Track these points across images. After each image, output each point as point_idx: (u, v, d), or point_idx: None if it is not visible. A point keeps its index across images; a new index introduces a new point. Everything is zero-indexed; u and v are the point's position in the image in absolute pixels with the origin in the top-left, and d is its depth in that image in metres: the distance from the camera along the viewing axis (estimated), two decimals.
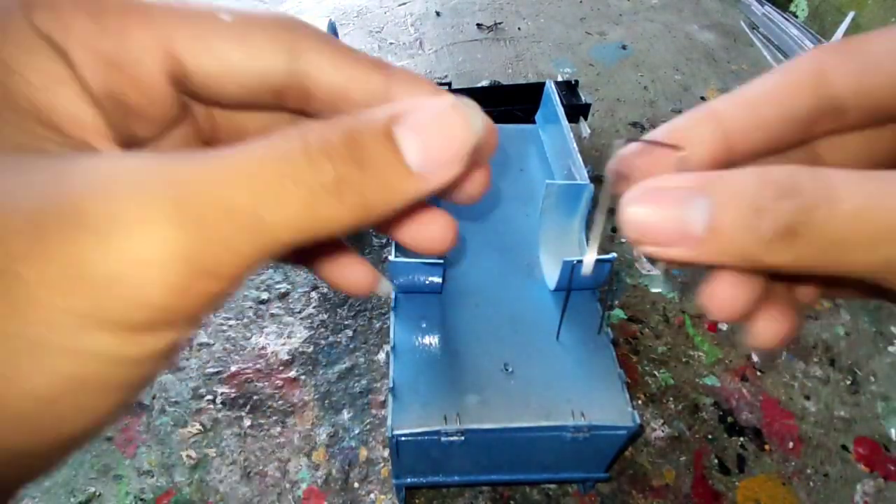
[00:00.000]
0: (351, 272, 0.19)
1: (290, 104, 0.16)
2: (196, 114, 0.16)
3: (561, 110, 0.66)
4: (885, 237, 0.13)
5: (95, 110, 0.13)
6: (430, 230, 0.17)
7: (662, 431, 0.64)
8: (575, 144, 0.62)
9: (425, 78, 0.17)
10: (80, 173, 0.11)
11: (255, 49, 0.14)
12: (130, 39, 0.13)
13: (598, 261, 0.51)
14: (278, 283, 0.77)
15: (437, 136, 0.13)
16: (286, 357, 0.69)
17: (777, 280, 0.17)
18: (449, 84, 0.98)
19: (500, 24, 1.33)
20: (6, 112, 0.12)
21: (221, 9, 0.15)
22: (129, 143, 0.14)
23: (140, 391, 0.12)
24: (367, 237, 0.83)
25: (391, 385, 0.50)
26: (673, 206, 0.14)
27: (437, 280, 0.53)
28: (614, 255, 0.50)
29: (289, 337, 0.70)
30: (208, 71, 0.14)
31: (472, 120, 0.14)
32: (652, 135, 0.17)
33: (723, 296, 0.17)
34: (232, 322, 0.72)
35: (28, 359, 0.10)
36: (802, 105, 0.16)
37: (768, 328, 0.17)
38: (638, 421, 0.48)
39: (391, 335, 0.53)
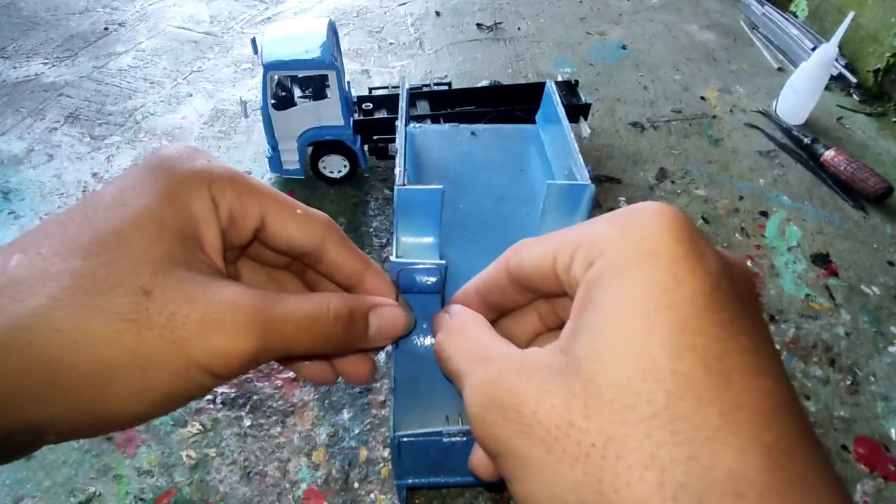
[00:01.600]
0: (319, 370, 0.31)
1: (304, 261, 0.28)
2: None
3: (562, 110, 0.66)
4: (455, 379, 0.24)
5: (220, 240, 0.24)
6: (356, 366, 0.30)
7: None
8: (576, 144, 0.62)
9: (385, 275, 0.30)
10: (226, 297, 0.21)
11: (306, 234, 0.26)
12: (247, 207, 0.25)
13: None
14: None
15: (388, 324, 0.28)
16: None
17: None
18: (449, 84, 0.98)
19: (500, 24, 1.33)
20: (186, 239, 0.22)
21: (296, 203, 0.26)
22: (225, 256, 0.25)
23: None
24: (368, 237, 0.83)
25: (392, 386, 0.49)
26: (437, 320, 0.31)
27: (435, 280, 0.53)
28: None
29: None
30: (277, 235, 0.26)
31: (409, 320, 0.29)
32: (455, 295, 0.30)
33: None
34: None
35: (169, 378, 0.20)
36: (502, 279, 0.26)
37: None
38: None
39: None
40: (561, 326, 0.27)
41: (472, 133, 0.71)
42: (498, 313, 0.28)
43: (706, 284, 0.17)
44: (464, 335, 0.24)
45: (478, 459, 0.25)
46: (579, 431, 0.16)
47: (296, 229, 0.26)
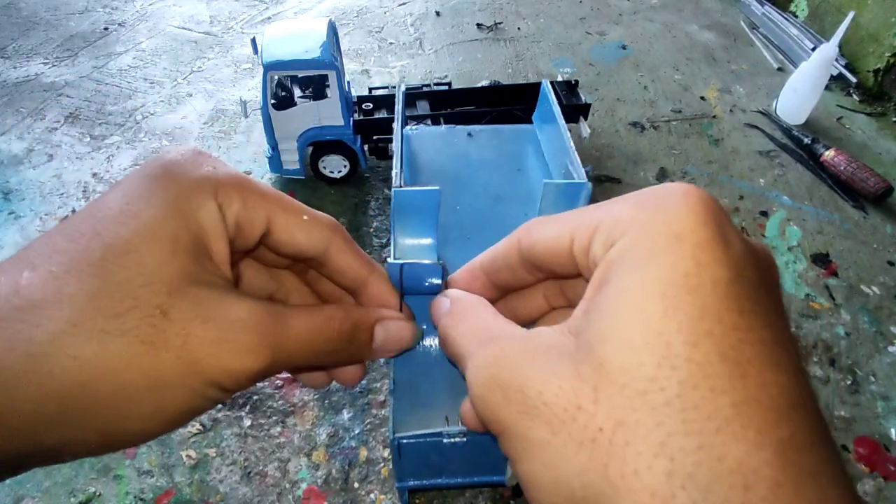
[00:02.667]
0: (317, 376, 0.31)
1: (309, 264, 0.28)
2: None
3: (557, 109, 0.66)
4: (458, 360, 0.24)
5: (228, 250, 0.23)
6: (350, 371, 0.30)
7: None
8: (572, 143, 0.62)
9: (388, 279, 0.30)
10: (238, 316, 0.21)
11: (311, 240, 0.26)
12: (255, 214, 0.24)
13: None
14: None
15: (394, 337, 0.28)
16: None
17: None
18: (449, 84, 0.98)
19: (500, 24, 1.33)
20: (197, 254, 0.22)
21: (303, 208, 0.26)
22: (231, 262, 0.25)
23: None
24: (368, 237, 0.83)
25: (392, 387, 0.50)
26: (436, 305, 0.29)
27: (437, 281, 0.53)
28: None
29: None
30: (283, 241, 0.25)
31: (416, 334, 0.30)
32: (454, 274, 0.31)
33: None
34: None
35: (184, 396, 0.21)
36: (513, 258, 0.26)
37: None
38: None
39: None
40: (568, 307, 0.27)
41: (469, 134, 0.71)
42: (502, 292, 0.28)
43: (729, 271, 0.17)
44: (468, 317, 0.24)
45: (467, 409, 0.25)
46: (587, 415, 0.16)
47: (302, 235, 0.25)
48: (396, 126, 0.63)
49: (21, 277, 0.19)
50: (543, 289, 0.27)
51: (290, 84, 0.83)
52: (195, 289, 0.21)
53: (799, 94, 1.04)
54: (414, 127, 0.73)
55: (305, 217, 0.26)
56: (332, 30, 0.84)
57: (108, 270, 0.19)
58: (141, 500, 0.58)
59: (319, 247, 0.26)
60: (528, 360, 0.19)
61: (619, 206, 0.20)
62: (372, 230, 0.84)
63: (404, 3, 1.40)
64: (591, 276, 0.20)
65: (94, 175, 0.93)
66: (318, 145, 0.86)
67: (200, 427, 0.63)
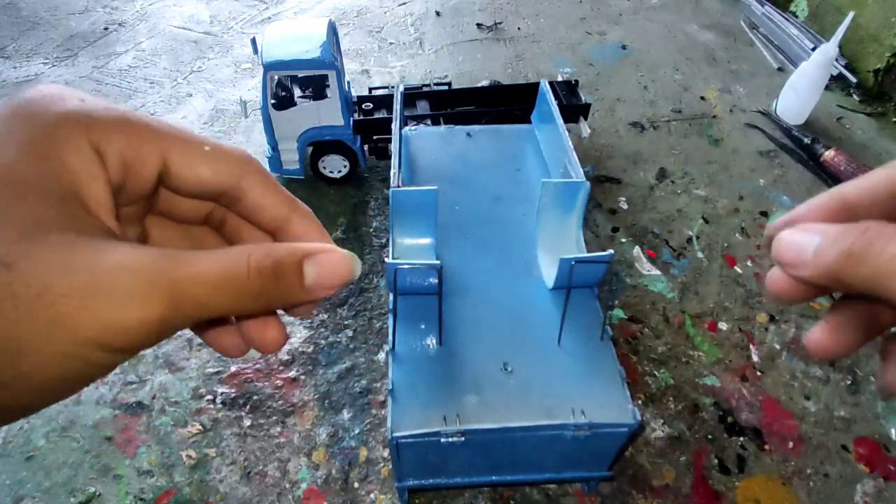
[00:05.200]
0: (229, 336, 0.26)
1: (221, 202, 0.24)
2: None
3: (556, 109, 0.66)
4: None
5: (110, 196, 0.20)
6: (264, 330, 0.25)
7: (662, 431, 0.64)
8: (570, 143, 0.62)
9: (316, 221, 0.25)
10: (116, 261, 0.18)
11: (219, 173, 0.23)
12: (143, 151, 0.21)
13: (594, 258, 0.51)
14: None
15: (329, 272, 0.23)
16: (286, 357, 0.69)
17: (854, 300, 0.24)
18: (449, 84, 0.98)
19: (500, 24, 1.33)
20: (62, 199, 0.19)
21: (205, 140, 0.22)
22: (116, 212, 0.22)
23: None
24: (367, 237, 0.83)
25: (390, 387, 0.50)
26: (799, 242, 0.23)
27: (435, 282, 0.53)
28: (612, 252, 0.51)
29: (288, 337, 0.70)
30: (185, 178, 0.22)
31: (355, 267, 0.23)
32: (795, 211, 0.25)
33: (820, 336, 0.25)
34: None
35: (52, 361, 0.17)
36: None
37: (821, 340, 0.24)
38: (639, 418, 0.48)
39: (390, 337, 0.53)
40: None
41: (468, 134, 0.71)
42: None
43: None
44: (885, 226, 0.20)
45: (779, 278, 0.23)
46: None
47: (205, 168, 0.22)
48: (395, 126, 0.63)
49: None
50: None
51: (290, 84, 0.83)
52: (56, 235, 0.18)
53: (799, 94, 1.04)
54: (413, 127, 0.73)
55: (207, 147, 0.22)
56: (332, 30, 0.84)
57: None
58: (141, 500, 0.58)
59: (229, 179, 0.23)
60: None
61: None
62: (371, 230, 0.84)
63: (404, 3, 1.40)
64: None
65: None
66: (318, 145, 0.86)
67: (200, 427, 0.63)
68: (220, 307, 0.20)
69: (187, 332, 0.71)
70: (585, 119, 0.91)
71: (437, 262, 0.48)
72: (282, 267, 0.22)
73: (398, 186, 0.50)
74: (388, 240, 0.83)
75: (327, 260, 0.23)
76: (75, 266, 0.17)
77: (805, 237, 0.23)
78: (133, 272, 0.18)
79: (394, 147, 0.59)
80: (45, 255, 0.17)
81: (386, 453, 0.61)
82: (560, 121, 0.64)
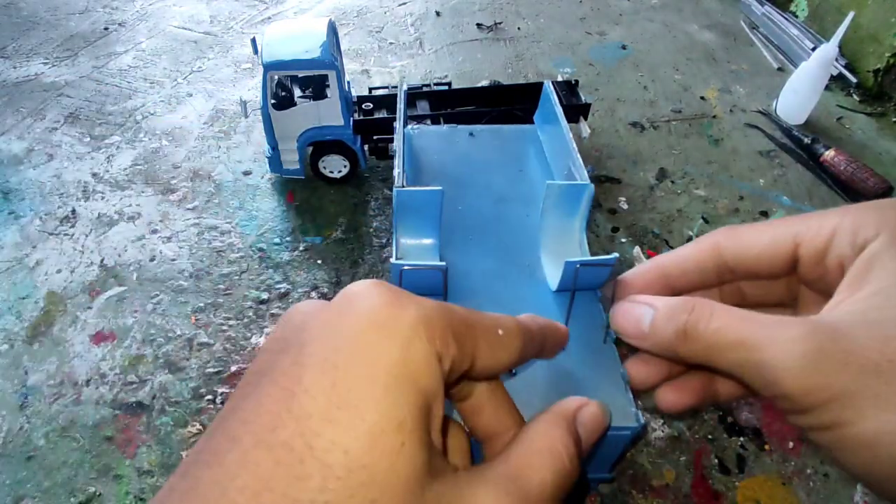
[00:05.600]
0: None
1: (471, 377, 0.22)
2: None
3: (559, 110, 0.66)
4: (733, 347, 0.22)
5: (439, 421, 0.18)
6: None
7: (662, 432, 0.64)
8: (574, 144, 0.62)
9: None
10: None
11: (512, 352, 0.22)
12: (465, 355, 0.19)
13: (599, 262, 0.51)
14: (278, 283, 0.77)
15: (594, 428, 0.24)
16: None
17: (698, 370, 0.28)
18: (449, 84, 0.98)
19: (500, 24, 1.33)
20: (424, 437, 0.17)
21: (495, 324, 0.21)
22: None
23: None
24: (367, 238, 0.83)
25: None
26: (635, 315, 0.26)
27: (439, 283, 0.53)
28: (616, 255, 0.50)
29: None
30: (486, 367, 0.21)
31: (607, 416, 0.25)
32: (626, 276, 0.31)
33: (634, 371, 0.30)
34: (232, 322, 0.72)
35: None
36: (709, 265, 0.27)
37: (666, 397, 0.29)
38: (642, 421, 0.48)
39: None
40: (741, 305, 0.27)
41: (471, 134, 0.71)
42: (674, 294, 0.28)
43: None
44: (721, 308, 0.23)
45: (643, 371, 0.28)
46: None
47: (504, 356, 0.21)
48: (398, 125, 0.63)
49: None
50: (723, 290, 0.29)
51: (290, 84, 0.83)
52: (430, 490, 0.16)
53: (799, 94, 1.04)
54: (415, 126, 0.72)
55: (500, 332, 0.21)
56: (332, 30, 0.84)
57: None
58: (141, 500, 0.58)
59: (515, 360, 0.22)
60: (855, 329, 0.20)
61: (854, 213, 0.23)
62: (372, 230, 0.84)
63: (404, 3, 1.40)
64: (815, 276, 0.24)
65: (94, 175, 0.93)
66: (318, 145, 0.86)
67: (201, 427, 0.63)
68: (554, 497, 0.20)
69: (186, 332, 0.71)
70: (585, 119, 0.91)
71: (443, 263, 0.48)
72: (575, 437, 0.22)
73: (402, 186, 0.50)
74: (388, 240, 0.82)
75: (589, 414, 0.24)
76: None
77: (638, 310, 0.26)
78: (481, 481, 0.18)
79: (397, 146, 0.59)
80: None
81: None
82: (564, 122, 0.64)
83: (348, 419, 0.15)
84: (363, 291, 0.18)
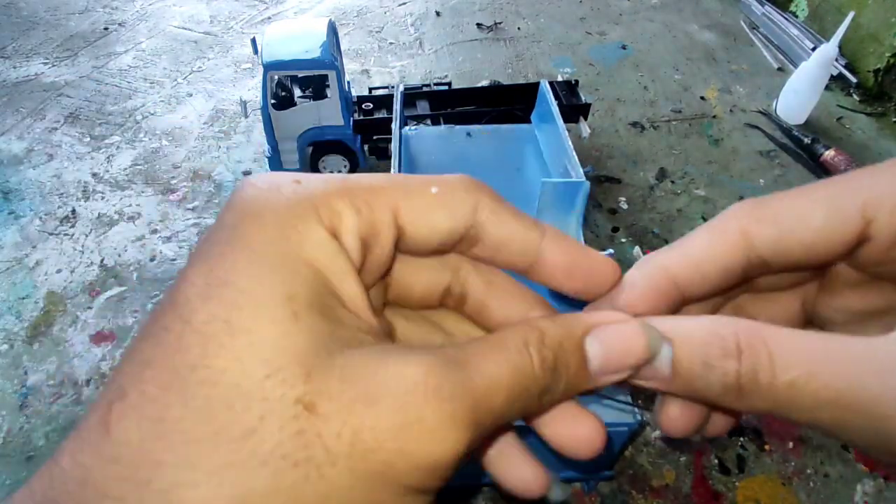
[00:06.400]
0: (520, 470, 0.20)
1: (461, 248, 0.19)
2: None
3: (556, 109, 0.66)
4: (826, 405, 0.15)
5: (362, 288, 0.16)
6: (571, 426, 0.19)
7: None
8: (570, 143, 0.62)
9: (571, 238, 0.20)
10: (414, 376, 0.14)
11: (454, 211, 0.18)
12: (376, 221, 0.17)
13: None
14: None
15: (618, 351, 0.17)
16: None
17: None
18: (449, 84, 0.98)
19: (500, 24, 1.33)
20: (324, 308, 0.15)
21: (428, 181, 0.18)
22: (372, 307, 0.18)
23: None
24: None
25: None
26: (643, 351, 0.17)
27: None
28: (611, 251, 0.51)
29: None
30: (422, 234, 0.18)
31: (651, 342, 0.17)
32: (627, 278, 0.20)
33: (673, 416, 0.20)
34: None
35: None
36: (736, 263, 0.19)
37: (670, 413, 0.20)
38: (639, 418, 0.48)
39: None
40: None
41: (468, 134, 0.71)
42: (679, 307, 0.20)
43: None
44: (781, 347, 0.16)
45: (675, 414, 0.19)
46: None
47: (439, 214, 0.18)
48: (395, 126, 0.63)
49: (110, 415, 0.14)
50: (729, 298, 0.21)
51: (290, 84, 0.83)
52: (341, 357, 0.14)
53: (799, 94, 1.04)
54: (413, 127, 0.73)
55: (434, 189, 0.18)
56: (332, 30, 0.84)
57: (214, 372, 0.14)
58: None
59: (465, 218, 0.18)
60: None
61: None
62: None
63: (404, 3, 1.40)
64: (887, 259, 0.17)
65: (94, 175, 0.93)
66: (318, 145, 0.86)
67: None
68: (511, 416, 0.16)
69: None
70: (585, 119, 0.91)
71: None
72: (563, 352, 0.17)
73: None
74: None
75: (613, 335, 0.18)
76: (375, 394, 0.14)
77: (641, 339, 0.17)
78: (433, 393, 0.14)
79: (394, 147, 0.59)
80: (338, 385, 0.14)
81: None
82: (560, 121, 0.64)
83: (228, 294, 0.14)
84: (245, 183, 0.17)
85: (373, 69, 1.19)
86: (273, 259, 0.15)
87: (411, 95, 0.92)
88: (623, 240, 0.84)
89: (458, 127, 0.72)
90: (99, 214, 0.86)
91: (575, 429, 0.19)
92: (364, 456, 0.13)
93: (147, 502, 0.13)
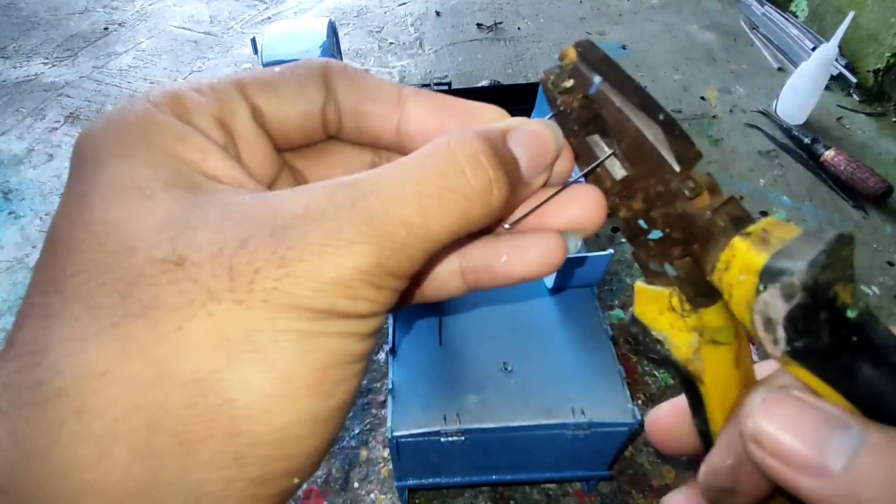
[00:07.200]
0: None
1: (330, 130, 0.19)
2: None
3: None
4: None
5: (234, 164, 0.16)
6: (539, 244, 0.19)
7: None
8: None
9: (429, 93, 0.19)
10: (289, 207, 0.14)
11: (301, 79, 0.18)
12: (222, 97, 0.17)
13: (594, 257, 0.51)
14: None
15: (537, 148, 0.17)
16: None
17: None
18: (449, 84, 0.98)
19: (500, 24, 1.33)
20: (190, 181, 0.15)
21: (275, 68, 0.18)
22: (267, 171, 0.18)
23: (363, 362, 0.15)
24: None
25: (390, 387, 0.50)
26: (816, 435, 0.14)
27: None
28: (611, 251, 0.51)
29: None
30: (275, 107, 0.18)
31: (556, 135, 0.18)
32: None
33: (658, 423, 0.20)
34: None
35: (288, 355, 0.13)
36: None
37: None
38: (639, 417, 0.48)
39: (389, 337, 0.53)
40: None
41: None
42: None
43: None
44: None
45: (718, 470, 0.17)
46: None
47: (290, 86, 0.18)
48: None
49: (11, 332, 0.14)
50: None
51: None
52: (215, 215, 0.14)
53: (799, 94, 1.04)
54: None
55: (277, 68, 0.19)
56: (332, 30, 0.84)
57: (85, 263, 0.14)
58: None
59: (319, 87, 0.18)
60: None
61: None
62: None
63: (404, 3, 1.40)
64: None
65: None
66: None
67: None
68: (442, 229, 0.15)
69: None
70: None
71: None
72: (497, 146, 0.16)
73: None
74: None
75: (527, 133, 0.17)
76: (247, 234, 0.14)
77: (820, 434, 0.14)
78: (314, 216, 0.14)
79: None
80: (210, 237, 0.14)
81: (386, 453, 0.61)
82: None
83: (81, 187, 0.15)
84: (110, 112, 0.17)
85: (373, 69, 1.19)
86: (120, 160, 0.15)
87: None
88: (623, 240, 0.84)
89: None
90: None
91: (538, 245, 0.18)
92: (248, 287, 0.13)
93: (40, 377, 0.13)
